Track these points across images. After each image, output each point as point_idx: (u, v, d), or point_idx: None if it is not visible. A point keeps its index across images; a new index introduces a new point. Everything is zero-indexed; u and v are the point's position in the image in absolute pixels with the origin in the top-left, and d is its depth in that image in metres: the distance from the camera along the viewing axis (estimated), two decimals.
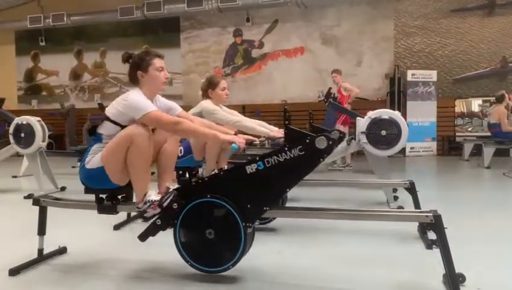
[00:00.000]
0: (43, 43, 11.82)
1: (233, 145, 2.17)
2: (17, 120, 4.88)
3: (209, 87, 3.39)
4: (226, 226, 2.09)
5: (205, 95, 3.42)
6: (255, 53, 10.58)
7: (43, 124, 4.89)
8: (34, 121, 4.81)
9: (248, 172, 2.08)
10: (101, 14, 10.68)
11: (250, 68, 10.64)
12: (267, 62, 10.51)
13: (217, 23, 10.69)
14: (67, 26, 11.07)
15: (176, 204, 2.14)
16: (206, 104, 3.32)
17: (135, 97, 2.22)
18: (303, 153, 2.02)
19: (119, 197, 2.40)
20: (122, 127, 2.21)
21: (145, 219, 2.21)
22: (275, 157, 2.05)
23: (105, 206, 2.37)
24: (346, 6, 9.80)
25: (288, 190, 2.15)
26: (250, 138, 2.77)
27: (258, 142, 2.59)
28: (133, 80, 2.35)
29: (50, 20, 10.83)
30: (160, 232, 2.22)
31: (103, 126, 2.27)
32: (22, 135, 4.79)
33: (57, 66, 11.96)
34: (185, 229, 2.15)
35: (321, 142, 2.01)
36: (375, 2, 9.62)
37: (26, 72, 12.28)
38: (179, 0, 9.84)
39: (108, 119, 2.24)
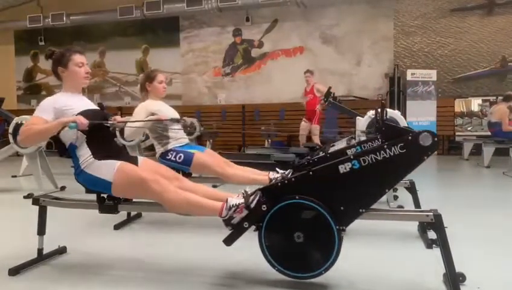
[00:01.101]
0: (42, 43, 11.80)
1: (70, 124, 2.10)
2: (17, 120, 4.87)
3: (147, 80, 3.40)
4: (318, 230, 1.96)
5: (143, 89, 3.43)
6: (255, 53, 10.58)
7: None
8: None
9: (341, 171, 1.96)
10: (101, 14, 10.67)
11: (250, 68, 10.63)
12: (266, 62, 10.50)
13: (216, 22, 10.69)
14: (66, 26, 11.06)
15: (264, 205, 2.00)
16: (140, 106, 3.31)
17: (46, 101, 2.29)
18: (404, 151, 1.91)
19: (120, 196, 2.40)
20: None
21: (234, 226, 2.03)
22: (372, 155, 1.93)
23: (107, 206, 2.36)
24: (346, 6, 9.79)
25: (387, 190, 2.02)
26: (118, 118, 2.59)
27: (113, 123, 2.42)
28: (57, 76, 2.42)
29: (49, 20, 10.82)
30: (157, 231, 2.21)
31: (62, 140, 2.30)
32: None
33: None
34: (272, 232, 2.02)
35: (426, 139, 1.90)
36: (374, 2, 9.62)
37: (26, 71, 12.27)
38: (178, 0, 9.84)
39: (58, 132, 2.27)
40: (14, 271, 2.28)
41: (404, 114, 8.39)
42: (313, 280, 2.03)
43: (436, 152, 9.05)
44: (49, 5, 11.09)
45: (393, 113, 3.99)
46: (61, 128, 2.21)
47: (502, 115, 7.01)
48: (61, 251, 2.63)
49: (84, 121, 2.16)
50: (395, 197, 3.93)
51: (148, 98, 3.40)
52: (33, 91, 12.25)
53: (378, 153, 1.93)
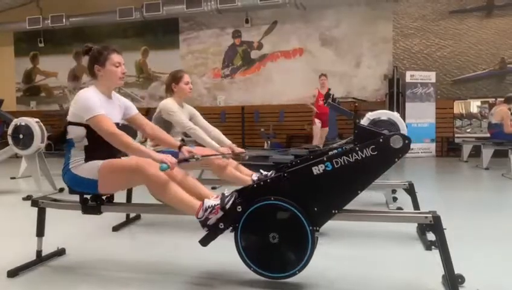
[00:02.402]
0: (42, 45, 11.81)
1: (161, 165, 2.09)
2: (16, 121, 4.87)
3: (173, 81, 3.40)
4: (292, 230, 1.99)
5: (169, 90, 3.42)
6: (254, 54, 10.58)
7: (42, 125, 4.88)
8: (33, 122, 4.80)
9: (315, 173, 1.99)
10: (100, 16, 10.67)
11: (249, 69, 10.64)
12: (266, 63, 10.51)
13: (216, 24, 10.70)
14: (66, 28, 11.05)
15: (239, 206, 2.04)
16: (165, 103, 3.30)
17: (85, 96, 2.23)
18: (376, 153, 1.93)
19: (104, 197, 2.41)
20: (84, 126, 2.22)
21: (209, 227, 2.06)
22: (345, 157, 1.96)
23: (90, 207, 2.38)
24: (345, 8, 9.81)
25: (359, 191, 2.02)
26: (193, 150, 2.57)
27: (194, 160, 2.42)
28: (91, 74, 2.38)
29: (49, 21, 10.82)
30: (156, 233, 2.21)
31: (69, 131, 2.30)
32: (21, 136, 4.78)
33: (56, 68, 11.95)
34: (247, 233, 2.05)
35: (397, 141, 1.92)
36: (374, 4, 9.64)
37: (25, 73, 12.27)
38: (178, 2, 9.84)
39: (70, 123, 2.27)
40: (13, 273, 2.28)
41: (403, 116, 8.42)
42: (317, 282, 2.03)
43: (435, 154, 9.10)
44: (49, 6, 11.10)
45: (392, 115, 3.99)
46: (76, 123, 2.22)
47: (503, 116, 6.98)
48: (60, 252, 2.62)
49: (173, 161, 2.14)
50: (394, 199, 3.93)
51: (172, 97, 3.38)
52: (32, 93, 12.25)
53: (350, 155, 1.96)
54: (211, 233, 2.07)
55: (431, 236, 2.59)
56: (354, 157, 1.95)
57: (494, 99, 9.02)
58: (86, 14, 10.75)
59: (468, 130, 9.25)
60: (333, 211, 2.02)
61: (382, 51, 9.76)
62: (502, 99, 7.70)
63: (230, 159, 3.15)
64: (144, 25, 10.84)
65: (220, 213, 2.04)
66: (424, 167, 7.71)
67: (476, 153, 7.76)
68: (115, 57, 2.35)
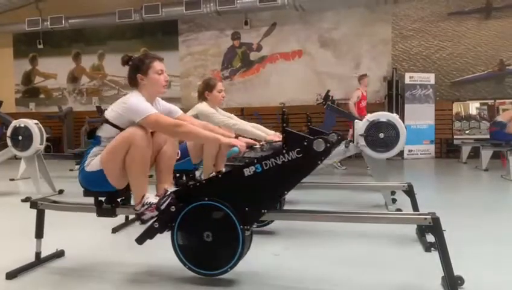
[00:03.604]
0: (41, 46, 11.80)
1: (234, 148, 2.17)
2: (15, 123, 4.86)
3: (206, 89, 3.42)
4: (224, 229, 2.08)
5: (202, 97, 3.44)
6: (253, 56, 10.59)
7: (41, 127, 4.87)
8: (32, 124, 4.80)
9: (246, 175, 2.08)
10: (99, 17, 10.67)
11: (249, 71, 10.65)
12: (265, 65, 10.52)
13: (215, 26, 10.71)
14: (65, 29, 11.05)
15: (173, 207, 2.12)
16: (202, 106, 3.34)
17: (135, 100, 2.22)
18: (301, 155, 2.02)
19: (118, 200, 2.39)
20: (121, 130, 2.21)
21: (143, 222, 2.18)
22: (273, 160, 2.05)
23: (105, 209, 2.37)
24: (344, 9, 9.82)
25: (286, 192, 2.15)
26: (251, 141, 2.75)
27: (258, 146, 2.56)
28: (133, 83, 2.35)
29: (48, 23, 10.81)
30: (159, 235, 2.21)
31: (102, 129, 2.27)
32: (20, 137, 4.78)
33: (55, 69, 11.95)
34: (183, 232, 2.14)
35: (319, 145, 2.01)
36: (373, 5, 9.65)
37: (24, 74, 12.26)
38: (177, 3, 9.85)
39: (107, 122, 2.24)
40: (12, 275, 2.28)
41: (402, 117, 8.42)
42: (316, 285, 2.03)
43: (434, 155, 9.11)
44: (48, 8, 11.08)
45: (391, 116, 3.99)
46: (114, 125, 2.22)
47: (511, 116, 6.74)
48: (59, 254, 2.62)
49: (242, 144, 2.23)
50: (394, 201, 3.93)
51: (206, 102, 3.41)
52: (31, 94, 12.24)
53: (277, 158, 2.05)
54: (147, 232, 2.18)
55: (430, 238, 2.60)
56: (281, 160, 2.04)
57: (493, 101, 9.04)
58: (85, 15, 10.75)
59: (467, 132, 9.26)
60: (263, 211, 2.12)
61: (381, 52, 9.77)
62: (502, 101, 7.70)
63: None
64: (143, 26, 10.85)
65: (155, 212, 2.13)
66: (423, 168, 7.71)
67: (475, 154, 7.76)
68: (158, 65, 2.36)
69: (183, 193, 2.21)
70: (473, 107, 9.31)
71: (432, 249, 2.57)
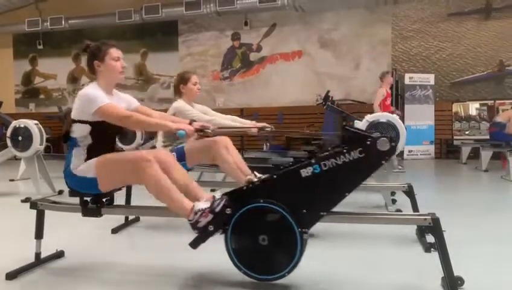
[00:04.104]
0: (41, 47, 11.80)
1: (180, 131, 2.11)
2: (15, 123, 4.86)
3: (181, 82, 3.41)
4: (281, 232, 2.00)
5: (177, 91, 3.43)
6: (253, 56, 10.60)
7: (41, 127, 4.87)
8: (32, 124, 4.79)
9: (303, 176, 2.01)
10: (99, 18, 10.68)
11: (248, 71, 10.65)
12: (265, 65, 10.52)
13: (215, 26, 10.71)
14: (65, 30, 11.06)
15: (229, 209, 2.04)
16: (178, 104, 3.32)
17: (89, 91, 2.24)
18: (363, 155, 1.95)
19: (104, 200, 2.40)
20: (90, 123, 2.22)
21: (200, 230, 2.07)
22: (333, 160, 1.97)
23: (90, 209, 2.37)
24: (344, 10, 9.83)
25: (347, 194, 2.04)
26: (205, 124, 2.57)
27: (209, 130, 2.46)
28: (91, 70, 2.38)
29: (48, 23, 10.82)
30: (155, 235, 2.21)
31: (74, 130, 2.29)
32: (20, 138, 4.77)
33: (55, 70, 11.95)
34: (237, 236, 2.06)
35: (383, 144, 1.94)
36: (372, 6, 9.66)
37: (24, 75, 12.26)
38: (177, 4, 9.86)
39: (74, 121, 2.27)
40: (12, 275, 2.27)
41: (402, 118, 8.42)
42: (316, 285, 2.03)
43: (434, 156, 9.11)
44: (48, 8, 11.09)
45: (391, 117, 3.99)
46: (81, 121, 2.23)
47: (511, 117, 6.70)
48: (59, 254, 2.62)
49: (190, 128, 2.16)
50: (393, 201, 3.93)
51: (181, 98, 3.40)
52: (31, 95, 12.25)
53: (338, 158, 1.97)
54: (201, 236, 2.09)
55: (430, 238, 2.59)
56: (341, 160, 1.97)
57: (492, 102, 9.04)
58: (85, 16, 10.76)
59: (467, 132, 9.26)
60: (321, 213, 2.04)
61: (381, 53, 9.78)
62: (501, 101, 7.71)
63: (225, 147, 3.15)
64: (143, 27, 10.86)
65: (210, 216, 2.04)
66: (423, 169, 7.71)
67: (474, 155, 7.76)
68: (114, 52, 2.36)
69: (237, 195, 2.13)
70: (473, 107, 9.31)
71: (432, 249, 2.57)
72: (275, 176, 2.09)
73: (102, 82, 2.35)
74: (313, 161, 2.01)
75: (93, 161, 2.23)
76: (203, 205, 2.09)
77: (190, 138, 2.15)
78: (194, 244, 2.10)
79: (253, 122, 3.41)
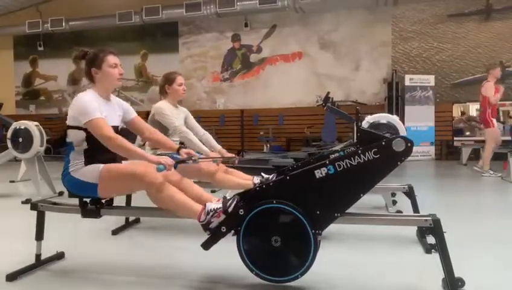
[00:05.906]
0: (41, 48, 11.83)
1: (158, 166, 2.09)
2: (15, 125, 4.86)
3: (166, 82, 3.39)
4: (294, 234, 1.98)
5: (162, 92, 3.42)
6: (253, 58, 10.61)
7: (41, 128, 4.87)
8: (32, 125, 4.80)
9: (317, 176, 1.98)
10: (100, 19, 10.70)
11: (248, 73, 10.66)
12: (265, 67, 10.53)
13: (215, 28, 10.72)
14: (65, 31, 11.08)
15: (242, 210, 2.02)
16: (160, 105, 3.31)
17: (83, 100, 2.24)
18: (378, 156, 1.93)
19: (103, 201, 2.41)
20: (85, 130, 2.23)
21: (211, 231, 2.06)
22: (347, 160, 1.95)
23: (89, 210, 2.37)
24: (344, 11, 9.84)
25: (362, 195, 2.01)
26: (192, 152, 2.56)
27: (190, 162, 2.46)
28: (89, 77, 2.39)
29: (48, 25, 10.84)
30: (155, 236, 2.21)
31: (69, 135, 2.30)
32: (20, 139, 4.77)
33: (55, 71, 11.97)
34: (249, 237, 2.03)
35: (399, 145, 1.92)
36: (372, 7, 9.67)
37: (25, 77, 12.28)
38: (177, 6, 9.87)
39: (69, 127, 2.29)
40: (12, 276, 2.27)
41: (402, 119, 8.42)
42: (316, 286, 2.03)
43: (434, 157, 9.10)
44: (48, 10, 11.12)
45: (391, 118, 4.00)
46: (75, 127, 2.24)
47: None
48: (59, 256, 2.61)
49: (170, 162, 2.14)
50: (394, 202, 3.92)
51: (166, 99, 3.39)
52: (32, 96, 12.26)
53: (352, 159, 1.95)
54: (213, 237, 2.07)
55: (431, 239, 2.59)
56: (356, 161, 1.94)
57: None
58: (86, 17, 10.78)
59: (467, 133, 9.26)
60: (335, 215, 2.01)
61: (381, 54, 9.78)
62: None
63: (221, 164, 3.15)
64: (143, 28, 10.88)
65: (222, 217, 2.03)
66: (423, 170, 7.71)
67: (475, 156, 7.76)
68: (111, 59, 2.36)
69: (249, 195, 2.10)
70: (473, 108, 9.31)
71: (433, 250, 2.56)
72: (287, 177, 2.05)
73: (99, 88, 2.37)
74: (327, 161, 1.99)
75: (99, 167, 2.23)
76: (215, 205, 2.08)
77: (168, 169, 2.15)
78: (206, 245, 2.08)
79: (223, 150, 3.32)
